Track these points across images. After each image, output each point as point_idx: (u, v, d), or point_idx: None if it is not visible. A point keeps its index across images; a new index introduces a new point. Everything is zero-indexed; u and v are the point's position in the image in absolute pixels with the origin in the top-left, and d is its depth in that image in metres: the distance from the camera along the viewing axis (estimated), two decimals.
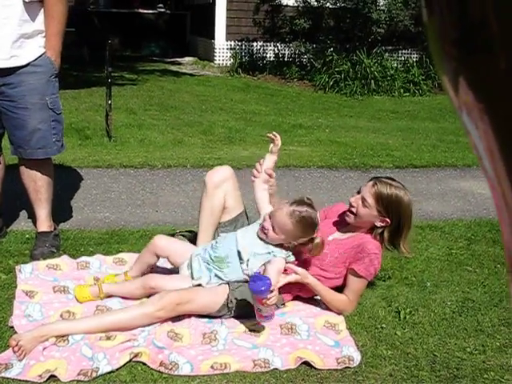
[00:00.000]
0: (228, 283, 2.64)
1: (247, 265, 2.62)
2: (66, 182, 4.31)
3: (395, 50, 13.11)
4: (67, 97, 7.72)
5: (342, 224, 2.84)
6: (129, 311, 2.53)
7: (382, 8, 11.58)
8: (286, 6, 12.37)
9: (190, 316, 2.60)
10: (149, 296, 2.63)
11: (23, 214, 3.83)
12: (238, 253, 2.63)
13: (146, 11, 17.10)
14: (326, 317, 2.68)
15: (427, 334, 2.63)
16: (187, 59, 14.77)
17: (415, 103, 10.11)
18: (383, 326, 2.67)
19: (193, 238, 3.01)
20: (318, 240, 2.60)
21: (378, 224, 2.70)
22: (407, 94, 10.91)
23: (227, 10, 13.14)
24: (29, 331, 2.34)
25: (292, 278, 2.60)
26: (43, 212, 3.35)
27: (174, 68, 13.13)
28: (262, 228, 2.61)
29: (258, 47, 13.25)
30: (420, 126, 7.87)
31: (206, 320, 2.61)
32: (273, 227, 2.57)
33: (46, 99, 3.15)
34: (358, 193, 2.74)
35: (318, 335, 2.54)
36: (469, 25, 0.37)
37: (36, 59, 3.09)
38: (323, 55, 11.44)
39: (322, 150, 5.99)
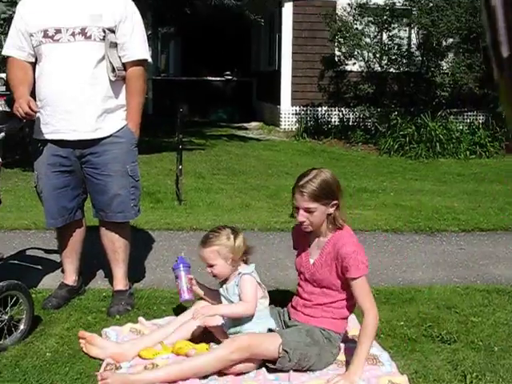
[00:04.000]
0: (273, 330, 2.81)
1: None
2: (139, 244, 4.53)
3: (460, 112, 13.13)
4: (139, 161, 8.04)
5: (308, 241, 2.94)
6: (203, 356, 2.67)
7: (445, 71, 11.69)
8: (350, 71, 12.66)
9: (258, 369, 2.71)
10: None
11: (100, 273, 4.06)
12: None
13: (213, 78, 17.79)
14: (389, 377, 2.71)
15: None
16: (253, 124, 15.20)
17: (482, 165, 10.04)
18: None
19: None
20: (238, 238, 2.92)
21: (331, 210, 2.80)
22: (473, 156, 10.85)
23: (292, 76, 13.55)
24: (118, 374, 2.51)
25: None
26: (120, 271, 3.57)
27: (240, 133, 13.53)
28: (212, 275, 2.94)
29: (323, 112, 13.54)
30: (487, 188, 7.81)
31: (273, 377, 2.70)
32: (211, 266, 2.90)
33: (127, 167, 3.41)
34: (298, 209, 2.83)
35: None
36: None
37: (118, 131, 3.38)
38: (387, 119, 11.58)
39: (387, 213, 6.04)
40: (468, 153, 10.85)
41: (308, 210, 2.79)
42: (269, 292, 3.26)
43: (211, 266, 2.90)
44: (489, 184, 8.18)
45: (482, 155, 10.89)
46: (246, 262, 2.98)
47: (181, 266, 3.05)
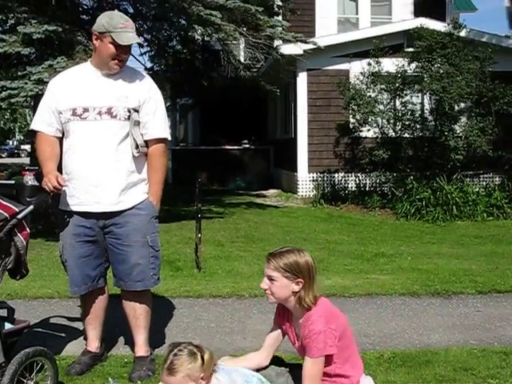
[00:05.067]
0: None
1: None
2: (159, 311, 4.61)
3: (476, 175, 13.28)
4: (159, 230, 8.20)
5: (292, 321, 2.98)
6: None
7: (459, 135, 11.89)
8: (365, 137, 12.93)
9: None
10: None
11: (121, 339, 4.15)
12: None
13: (231, 147, 18.16)
14: None
15: None
16: (271, 191, 15.42)
17: (499, 227, 10.07)
18: None
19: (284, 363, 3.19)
20: (206, 356, 2.68)
21: (296, 288, 2.84)
22: (491, 218, 10.91)
23: (308, 143, 13.85)
24: None
25: None
26: (141, 338, 3.65)
27: (258, 200, 13.71)
28: None
29: (340, 178, 13.75)
30: (505, 250, 7.84)
31: None
32: None
33: (147, 238, 3.56)
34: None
35: None
36: None
37: (139, 203, 3.55)
38: (403, 183, 11.73)
39: (404, 277, 6.09)
40: (485, 215, 10.91)
41: (270, 278, 2.87)
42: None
43: None
44: (507, 245, 8.20)
45: (500, 217, 10.95)
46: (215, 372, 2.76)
47: None
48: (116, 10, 3.71)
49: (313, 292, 2.85)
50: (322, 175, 13.79)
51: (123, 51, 3.47)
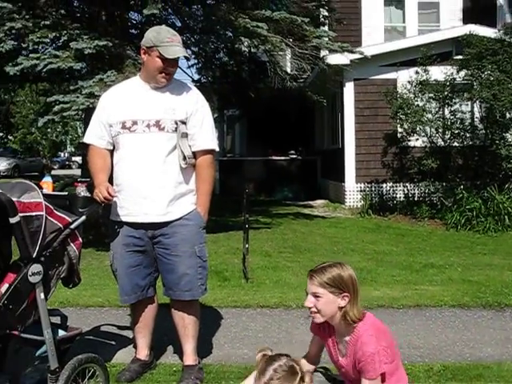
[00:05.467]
0: None
1: None
2: (207, 320, 4.66)
3: None
4: (207, 240, 8.26)
5: (334, 336, 2.91)
6: None
7: (510, 143, 11.61)
8: (414, 147, 12.75)
9: None
10: None
11: (170, 348, 4.20)
12: None
13: (278, 158, 18.20)
14: None
15: None
16: (319, 202, 15.37)
17: None
18: None
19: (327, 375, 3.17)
20: (307, 379, 2.58)
21: (342, 303, 2.77)
22: None
23: (356, 153, 13.76)
24: None
25: None
26: (189, 347, 3.70)
27: (306, 211, 13.68)
28: None
29: (388, 188, 13.60)
30: None
31: None
32: None
33: (195, 248, 3.61)
34: (307, 295, 2.84)
35: None
36: None
37: (187, 214, 3.60)
38: (453, 193, 11.52)
39: (454, 288, 5.99)
40: None
41: (315, 295, 2.80)
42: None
43: None
44: None
45: None
46: None
47: None
48: (164, 25, 3.80)
49: (357, 306, 2.80)
50: (369, 185, 13.69)
51: (170, 64, 3.53)
